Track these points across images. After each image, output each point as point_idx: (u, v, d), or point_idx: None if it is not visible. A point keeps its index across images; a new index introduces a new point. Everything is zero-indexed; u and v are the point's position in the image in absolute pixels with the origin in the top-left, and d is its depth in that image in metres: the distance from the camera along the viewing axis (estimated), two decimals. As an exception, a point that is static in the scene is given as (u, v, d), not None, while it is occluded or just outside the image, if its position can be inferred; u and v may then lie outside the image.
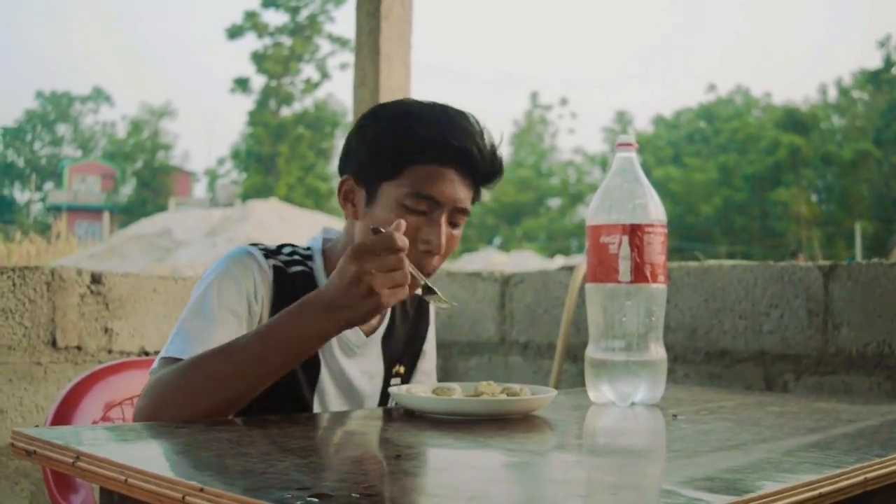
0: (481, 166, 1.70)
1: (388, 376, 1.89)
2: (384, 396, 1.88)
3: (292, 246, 1.82)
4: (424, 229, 1.66)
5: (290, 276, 1.74)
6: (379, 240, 1.44)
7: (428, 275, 1.68)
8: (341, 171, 1.78)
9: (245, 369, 1.49)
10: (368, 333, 1.84)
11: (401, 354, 1.92)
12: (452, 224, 1.71)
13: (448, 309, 1.66)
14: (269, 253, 1.75)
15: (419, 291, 1.65)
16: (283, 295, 1.70)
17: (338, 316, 1.47)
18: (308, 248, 1.82)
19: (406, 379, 1.95)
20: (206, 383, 1.49)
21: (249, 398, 1.52)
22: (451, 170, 1.67)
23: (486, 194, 1.80)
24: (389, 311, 1.89)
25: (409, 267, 1.47)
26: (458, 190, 1.68)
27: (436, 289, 1.61)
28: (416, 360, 2.00)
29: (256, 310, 1.69)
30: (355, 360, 1.82)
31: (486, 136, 1.71)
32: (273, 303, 1.70)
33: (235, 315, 1.65)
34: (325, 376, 1.77)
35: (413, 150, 1.65)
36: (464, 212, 1.71)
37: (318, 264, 1.79)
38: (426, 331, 2.02)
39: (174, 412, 1.48)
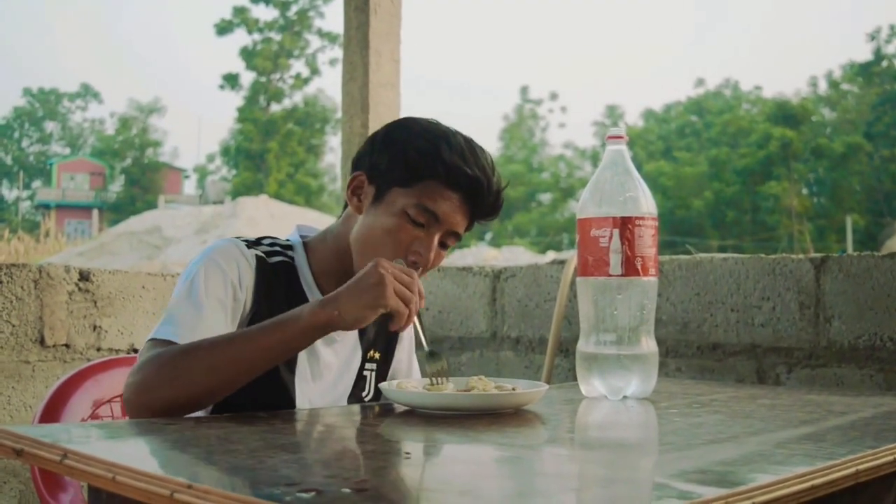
0: (485, 200, 1.79)
1: (364, 361, 1.94)
2: (359, 380, 1.92)
3: (272, 238, 1.88)
4: (419, 242, 1.75)
5: (271, 265, 1.80)
6: (403, 268, 1.59)
7: None
8: (354, 167, 1.85)
9: (241, 355, 1.56)
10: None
11: (375, 339, 1.97)
12: (442, 244, 1.79)
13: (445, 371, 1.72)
14: (251, 243, 1.81)
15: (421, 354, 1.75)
16: (265, 283, 1.77)
17: (334, 306, 1.54)
18: (287, 240, 1.89)
19: (382, 364, 1.98)
20: (203, 366, 1.54)
21: (242, 383, 1.58)
22: (459, 195, 1.76)
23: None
24: None
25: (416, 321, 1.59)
26: (458, 215, 1.77)
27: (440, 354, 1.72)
28: (393, 346, 2.03)
29: (241, 297, 1.74)
30: (332, 347, 1.87)
31: (496, 177, 1.80)
32: (256, 290, 1.76)
33: (221, 303, 1.70)
34: (302, 359, 1.81)
35: (434, 168, 1.73)
36: (456, 235, 1.80)
37: (300, 256, 1.86)
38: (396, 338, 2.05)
39: (166, 392, 1.53)
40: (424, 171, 1.74)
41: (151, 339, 1.65)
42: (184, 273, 1.75)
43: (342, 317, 1.54)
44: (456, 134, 1.80)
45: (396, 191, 1.75)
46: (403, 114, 3.81)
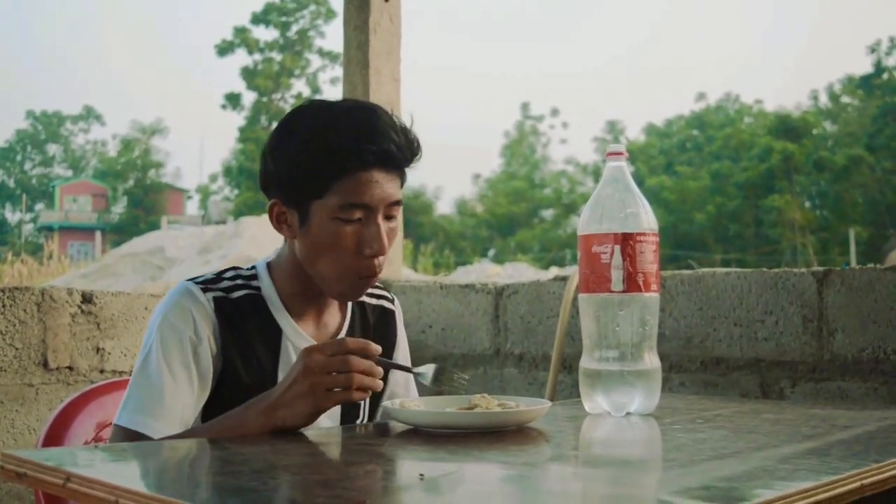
0: (402, 159, 1.72)
1: None
2: (351, 408, 1.87)
3: (235, 269, 1.83)
4: (365, 236, 1.69)
5: (233, 301, 1.75)
6: (333, 342, 1.53)
7: (376, 276, 1.74)
8: (266, 191, 1.79)
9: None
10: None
11: None
12: (387, 217, 1.73)
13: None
14: (208, 284, 1.76)
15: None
16: (229, 323, 1.73)
17: (276, 415, 1.52)
18: (252, 268, 1.84)
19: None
20: None
21: None
22: (376, 172, 1.68)
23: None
24: (348, 319, 1.90)
25: (359, 375, 1.51)
26: (387, 188, 1.70)
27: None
28: (386, 372, 1.98)
29: (204, 348, 1.70)
30: None
31: (398, 125, 1.72)
32: (221, 334, 1.72)
33: (184, 367, 1.68)
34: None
35: (333, 166, 1.66)
36: (397, 203, 1.74)
37: (264, 282, 1.81)
38: (394, 339, 2.02)
39: None
40: (330, 173, 1.67)
41: (116, 425, 1.65)
42: (145, 335, 1.73)
43: (287, 424, 1.52)
44: (337, 114, 1.71)
45: (316, 203, 1.69)
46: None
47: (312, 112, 1.74)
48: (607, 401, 1.79)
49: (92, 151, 62.87)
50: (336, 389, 1.50)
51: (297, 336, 1.79)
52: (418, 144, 1.75)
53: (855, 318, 2.63)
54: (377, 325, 1.97)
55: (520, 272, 17.72)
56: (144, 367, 1.67)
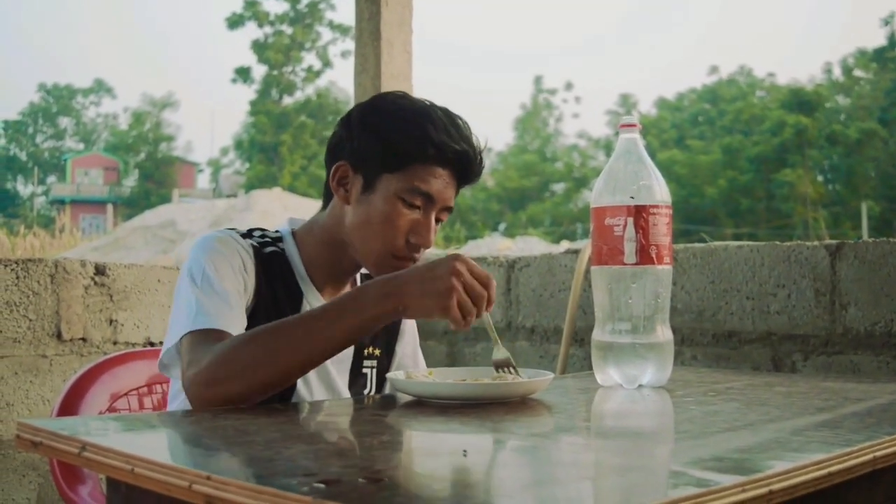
0: (473, 170, 1.80)
1: (358, 358, 1.91)
2: (354, 376, 1.90)
3: (261, 230, 1.88)
4: (417, 224, 1.75)
5: (265, 255, 1.80)
6: (482, 271, 1.54)
7: (414, 262, 1.77)
8: (334, 156, 1.82)
9: (303, 345, 1.52)
10: None
11: (373, 336, 1.93)
12: (437, 220, 1.80)
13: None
14: (243, 234, 1.81)
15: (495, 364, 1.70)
16: (264, 270, 1.77)
17: (398, 301, 1.51)
18: (277, 231, 1.89)
19: (383, 360, 1.97)
20: (266, 356, 1.50)
21: (302, 373, 1.60)
22: (449, 172, 1.77)
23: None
24: None
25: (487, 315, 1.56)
26: (449, 190, 1.78)
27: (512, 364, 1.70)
28: (393, 341, 2.01)
29: (250, 282, 1.74)
30: None
31: (478, 144, 1.81)
32: (258, 278, 1.76)
33: (237, 291, 1.70)
34: None
35: (423, 150, 1.73)
36: (449, 210, 1.81)
37: (289, 246, 1.86)
38: (400, 321, 2.03)
39: (235, 384, 1.49)
40: (413, 155, 1.73)
41: (192, 332, 1.60)
42: (186, 268, 1.71)
43: (405, 312, 1.52)
44: (434, 108, 1.78)
45: (386, 177, 1.74)
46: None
47: (409, 98, 1.82)
48: (619, 373, 1.79)
49: (103, 125, 62.92)
50: (464, 305, 1.50)
51: (317, 301, 1.82)
52: (483, 168, 1.84)
53: (868, 292, 2.63)
54: None
55: (531, 246, 17.70)
56: (201, 284, 1.66)
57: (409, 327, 2.06)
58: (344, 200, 1.80)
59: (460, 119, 1.80)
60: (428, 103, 1.80)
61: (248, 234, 1.82)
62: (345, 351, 1.82)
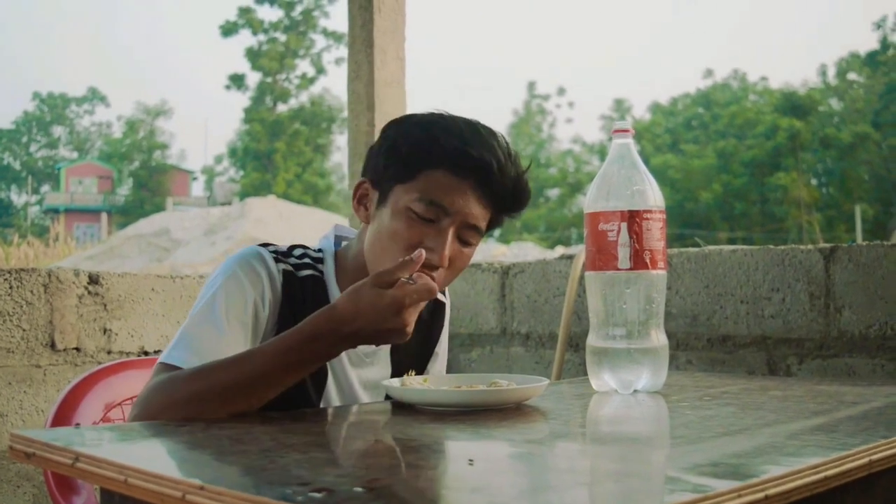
0: (499, 185, 1.65)
1: None
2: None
3: (303, 248, 1.78)
4: (430, 238, 1.62)
5: (299, 279, 1.71)
6: (399, 265, 1.44)
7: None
8: (363, 172, 1.75)
9: (253, 383, 1.47)
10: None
11: (411, 360, 1.86)
12: (463, 241, 1.66)
13: None
14: (280, 255, 1.72)
15: None
16: (291, 300, 1.68)
17: (359, 342, 1.48)
18: (319, 251, 1.79)
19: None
20: (212, 394, 1.46)
21: (254, 409, 1.50)
22: (467, 182, 1.62)
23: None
24: None
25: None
26: (472, 205, 1.63)
27: None
28: (427, 363, 1.96)
29: (263, 315, 1.66)
30: (363, 370, 1.78)
31: (511, 158, 1.67)
32: (281, 308, 1.68)
33: (242, 324, 1.62)
34: (330, 384, 1.74)
35: (430, 154, 1.62)
36: (476, 229, 1.66)
37: (329, 268, 1.76)
38: (439, 334, 1.98)
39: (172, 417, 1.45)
40: (423, 161, 1.62)
41: (163, 363, 1.56)
42: (206, 284, 1.67)
43: (367, 344, 1.50)
44: (455, 118, 1.67)
45: (398, 189, 1.64)
46: (410, 111, 3.81)
47: (433, 112, 1.70)
48: (614, 378, 1.79)
49: (97, 133, 62.92)
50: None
51: None
52: (526, 190, 1.70)
53: (862, 295, 2.63)
54: (429, 319, 1.93)
55: (525, 251, 17.72)
56: (208, 311, 1.60)
57: (442, 349, 2.00)
58: (364, 219, 1.72)
59: (488, 129, 1.67)
60: (453, 116, 1.68)
61: (287, 254, 1.73)
62: (384, 373, 1.81)
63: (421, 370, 1.93)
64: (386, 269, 1.46)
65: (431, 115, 1.70)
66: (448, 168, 1.61)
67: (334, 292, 1.73)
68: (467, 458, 1.20)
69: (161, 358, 1.58)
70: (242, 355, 1.51)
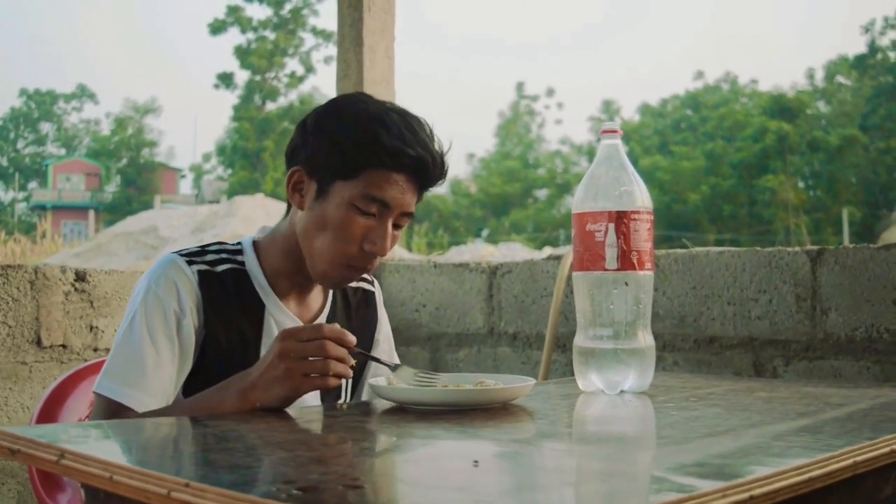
0: (432, 174, 1.76)
1: None
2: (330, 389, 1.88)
3: (220, 243, 1.85)
4: (373, 232, 1.72)
5: (217, 275, 1.77)
6: (309, 327, 1.53)
7: (366, 271, 1.78)
8: (291, 161, 1.81)
9: None
10: (307, 321, 1.87)
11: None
12: (395, 226, 1.77)
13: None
14: (193, 257, 1.77)
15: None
16: (212, 297, 1.74)
17: (253, 396, 1.53)
18: (238, 244, 1.86)
19: (357, 371, 1.93)
20: None
21: None
22: (404, 176, 1.73)
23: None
24: (329, 301, 1.93)
25: (334, 362, 1.51)
26: (408, 196, 1.74)
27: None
28: (369, 351, 2.00)
29: (187, 321, 1.72)
30: None
31: (438, 147, 1.77)
32: (204, 308, 1.74)
33: (168, 339, 1.69)
34: None
35: (375, 155, 1.70)
36: (409, 215, 1.78)
37: (249, 258, 1.83)
38: (375, 320, 2.04)
39: None
40: (366, 161, 1.70)
41: (97, 394, 1.66)
42: (128, 305, 1.74)
43: (266, 405, 1.53)
44: (390, 112, 1.74)
45: (339, 184, 1.72)
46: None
47: (365, 101, 1.78)
48: (601, 379, 1.79)
49: (85, 130, 62.71)
50: (312, 375, 1.50)
51: (280, 312, 1.81)
52: (447, 170, 1.81)
53: (848, 297, 2.64)
54: (359, 307, 2.00)
55: (513, 252, 17.71)
56: (128, 337, 1.68)
57: (384, 336, 2.06)
58: (298, 206, 1.78)
59: (419, 121, 1.76)
60: (387, 106, 1.77)
61: (200, 253, 1.79)
62: None
63: (362, 361, 1.97)
64: (291, 331, 1.54)
65: (366, 107, 1.76)
66: (389, 167, 1.71)
67: (259, 279, 1.81)
68: (454, 457, 1.20)
69: (96, 386, 1.68)
70: (161, 410, 1.63)
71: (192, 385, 1.72)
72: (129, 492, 0.99)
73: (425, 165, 1.73)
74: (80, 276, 3.01)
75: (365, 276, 2.01)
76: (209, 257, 1.78)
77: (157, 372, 1.66)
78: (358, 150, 1.70)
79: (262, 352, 1.76)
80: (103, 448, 1.19)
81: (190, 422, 1.38)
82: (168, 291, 1.71)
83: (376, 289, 2.07)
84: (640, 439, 1.42)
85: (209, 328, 1.73)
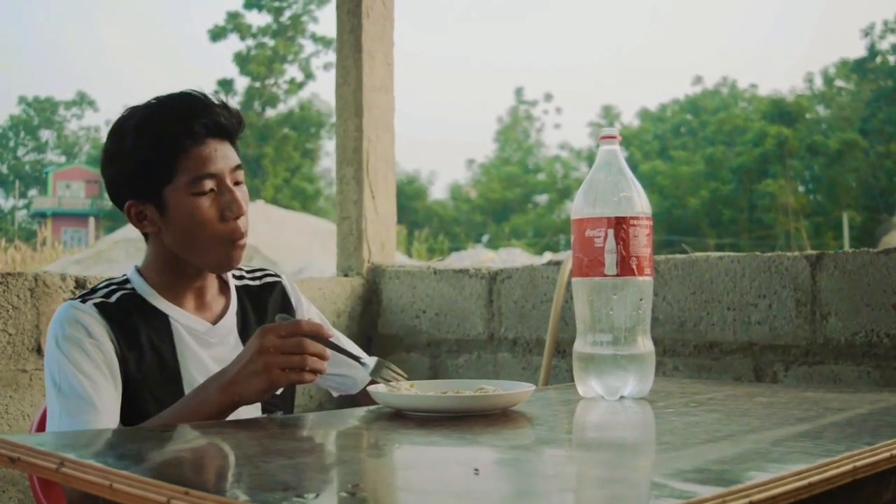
0: (230, 127, 1.82)
1: None
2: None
3: (106, 280, 1.90)
4: (222, 203, 1.78)
5: (113, 304, 1.80)
6: (287, 324, 1.57)
7: (244, 237, 1.82)
8: (116, 198, 1.86)
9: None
10: (213, 321, 1.89)
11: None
12: (237, 183, 1.83)
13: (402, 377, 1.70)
14: (85, 296, 1.81)
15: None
16: (117, 322, 1.77)
17: (232, 391, 1.57)
18: (123, 276, 1.90)
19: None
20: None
21: None
22: (210, 142, 1.78)
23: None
24: (234, 302, 1.95)
25: (312, 357, 1.55)
26: (223, 154, 1.80)
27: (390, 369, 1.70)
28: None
29: (106, 348, 1.74)
30: (211, 349, 1.86)
31: (217, 101, 1.83)
32: (115, 333, 1.76)
33: (97, 369, 1.71)
34: (189, 367, 1.82)
35: (171, 149, 1.75)
36: (239, 168, 1.83)
37: (137, 282, 1.87)
38: (292, 306, 2.04)
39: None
40: (172, 154, 1.75)
41: None
42: (47, 368, 1.75)
43: (245, 398, 1.57)
44: (155, 105, 1.80)
45: (168, 188, 1.76)
46: (397, 116, 3.82)
47: (134, 112, 1.83)
48: (601, 385, 1.79)
49: (85, 137, 62.69)
50: (289, 370, 1.54)
51: (184, 317, 1.85)
52: (239, 113, 1.87)
53: (848, 302, 2.64)
54: (273, 301, 2.02)
55: (514, 257, 17.69)
56: (64, 386, 1.69)
57: (314, 316, 2.08)
58: (154, 231, 1.83)
59: (189, 94, 1.81)
60: (150, 102, 1.82)
61: (90, 293, 1.82)
62: (235, 352, 1.84)
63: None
64: (270, 326, 1.58)
65: (132, 114, 1.82)
66: (191, 145, 1.76)
67: (152, 295, 1.85)
68: (454, 463, 1.20)
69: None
70: (152, 420, 1.65)
71: (126, 410, 1.73)
72: (128, 500, 0.99)
73: (219, 125, 1.79)
74: (81, 284, 3.01)
75: (266, 271, 2.06)
76: (100, 293, 1.82)
77: (103, 403, 1.68)
78: (156, 153, 1.75)
79: (180, 359, 1.81)
80: (103, 456, 1.19)
81: (189, 429, 1.38)
82: (77, 330, 1.73)
83: (283, 278, 2.09)
84: (640, 445, 1.42)
85: (124, 352, 1.76)
